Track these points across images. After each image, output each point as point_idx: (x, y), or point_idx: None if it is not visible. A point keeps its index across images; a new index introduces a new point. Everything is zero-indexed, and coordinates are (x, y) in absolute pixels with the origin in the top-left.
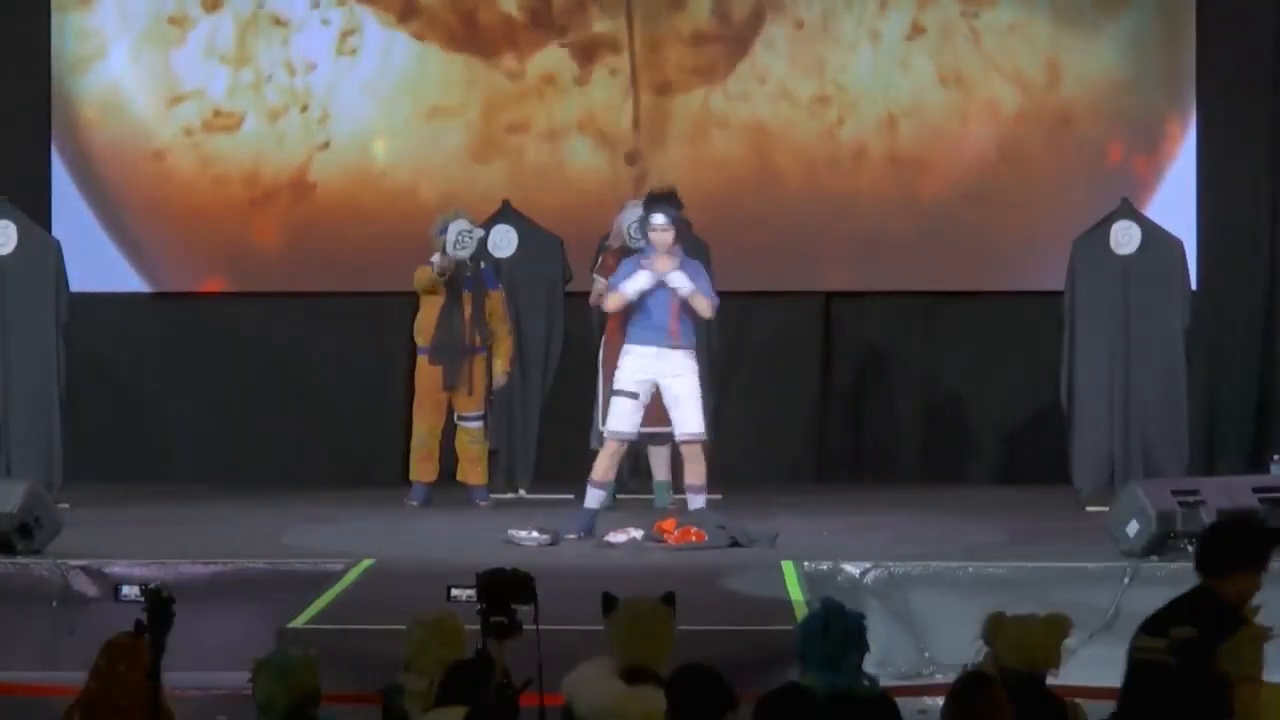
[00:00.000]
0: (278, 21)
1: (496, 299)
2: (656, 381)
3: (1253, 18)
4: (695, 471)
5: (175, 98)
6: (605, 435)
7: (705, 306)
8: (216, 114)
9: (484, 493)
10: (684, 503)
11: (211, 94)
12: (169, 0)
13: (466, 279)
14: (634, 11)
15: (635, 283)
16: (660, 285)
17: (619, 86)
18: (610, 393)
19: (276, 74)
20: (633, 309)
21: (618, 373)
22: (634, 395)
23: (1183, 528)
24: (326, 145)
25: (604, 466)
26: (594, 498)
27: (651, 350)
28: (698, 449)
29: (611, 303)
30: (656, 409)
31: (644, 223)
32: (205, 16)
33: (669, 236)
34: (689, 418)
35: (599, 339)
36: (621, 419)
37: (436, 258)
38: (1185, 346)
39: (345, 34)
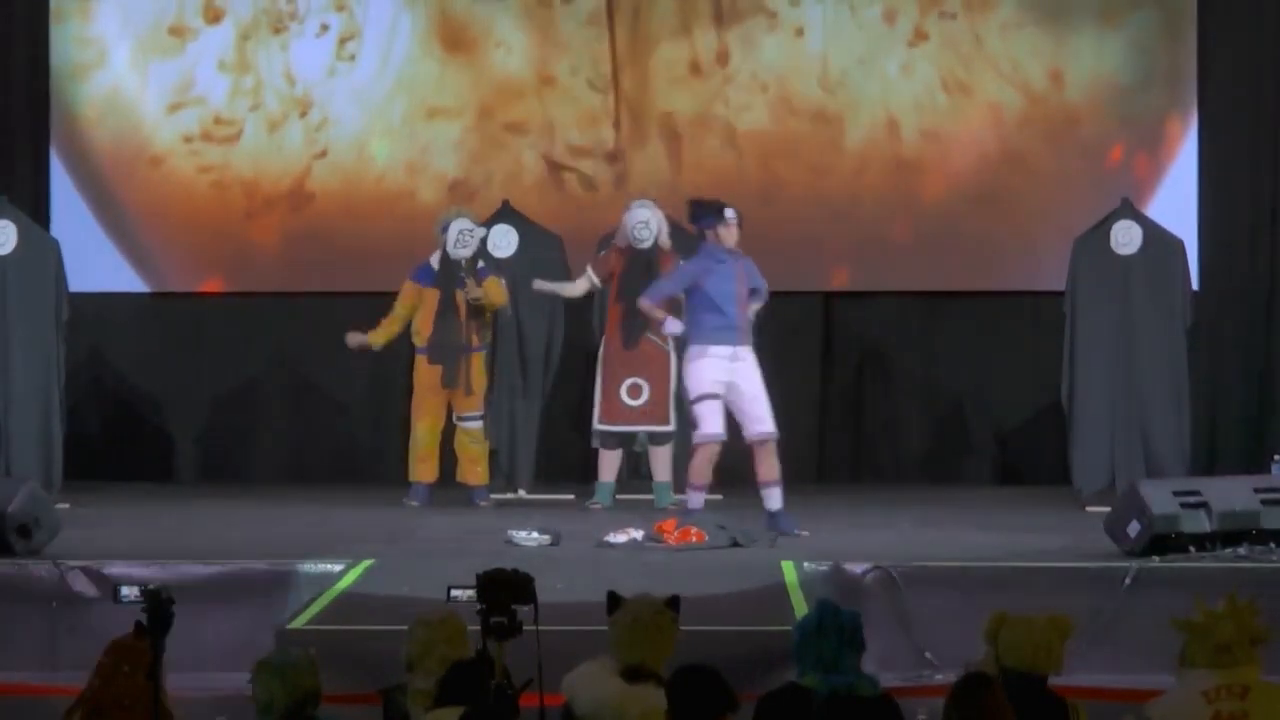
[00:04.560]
0: (277, 29)
1: (494, 280)
2: (734, 382)
3: (1254, 19)
4: (771, 468)
5: (175, 104)
6: (701, 439)
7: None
8: (217, 121)
9: (484, 493)
10: (684, 503)
11: (212, 101)
12: (169, 9)
13: (460, 278)
14: (637, 13)
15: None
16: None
17: (621, 87)
18: (691, 399)
19: (275, 80)
20: (701, 309)
21: (698, 377)
22: (716, 396)
23: (1184, 528)
24: (326, 148)
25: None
26: (697, 500)
27: (727, 350)
28: (771, 446)
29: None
30: (658, 407)
31: (718, 215)
32: (205, 26)
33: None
34: (764, 416)
35: (599, 339)
36: (713, 421)
37: (434, 259)
38: (1186, 346)
39: (344, 40)
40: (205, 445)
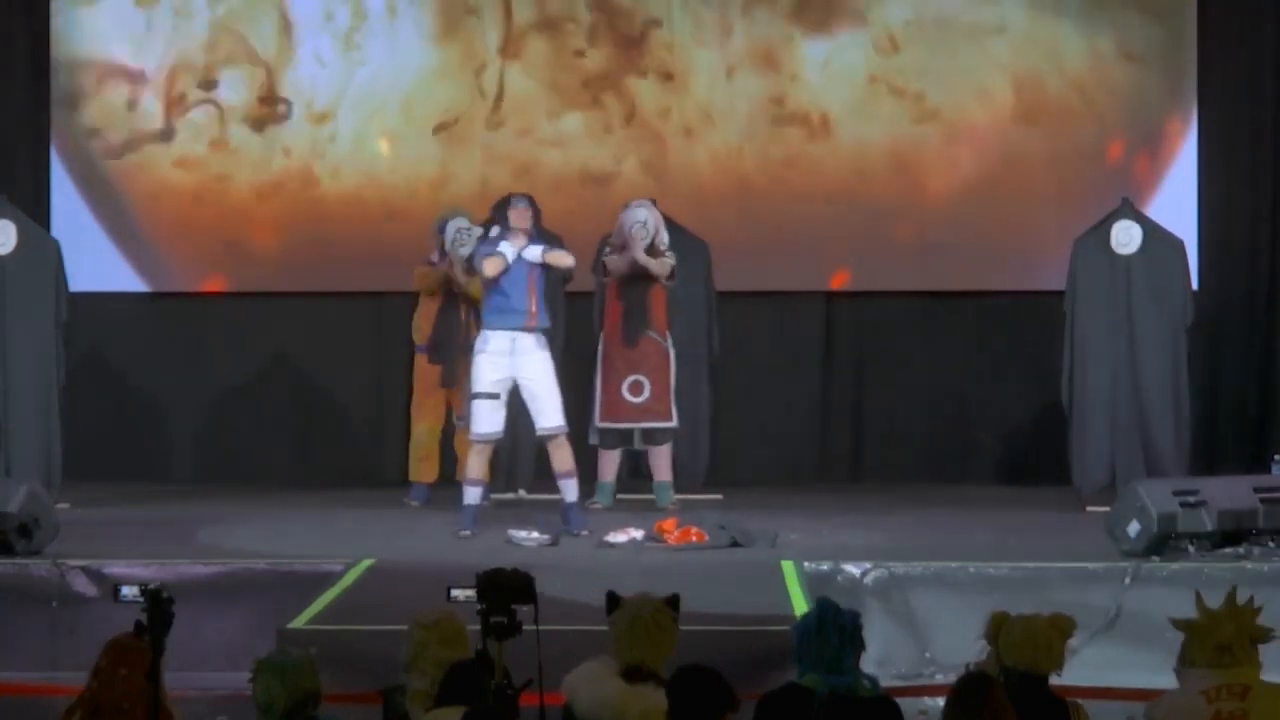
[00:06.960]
0: (283, 22)
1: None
2: (515, 378)
3: (1254, 18)
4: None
5: (176, 104)
6: (472, 438)
7: (566, 258)
8: (219, 116)
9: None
10: (685, 503)
11: (213, 101)
12: (170, 9)
13: (445, 256)
14: (640, 15)
15: (505, 253)
16: (519, 262)
17: (623, 88)
18: (471, 394)
19: (277, 80)
20: (490, 292)
21: (477, 371)
22: (494, 396)
23: (1184, 528)
24: (326, 148)
25: (476, 465)
26: (472, 494)
27: (508, 335)
28: (563, 440)
29: (492, 267)
30: (659, 403)
31: (504, 206)
32: (208, 17)
33: (527, 215)
34: (549, 411)
35: (598, 337)
36: (486, 420)
37: (434, 257)
38: (1186, 346)
39: (350, 34)
40: (205, 445)
